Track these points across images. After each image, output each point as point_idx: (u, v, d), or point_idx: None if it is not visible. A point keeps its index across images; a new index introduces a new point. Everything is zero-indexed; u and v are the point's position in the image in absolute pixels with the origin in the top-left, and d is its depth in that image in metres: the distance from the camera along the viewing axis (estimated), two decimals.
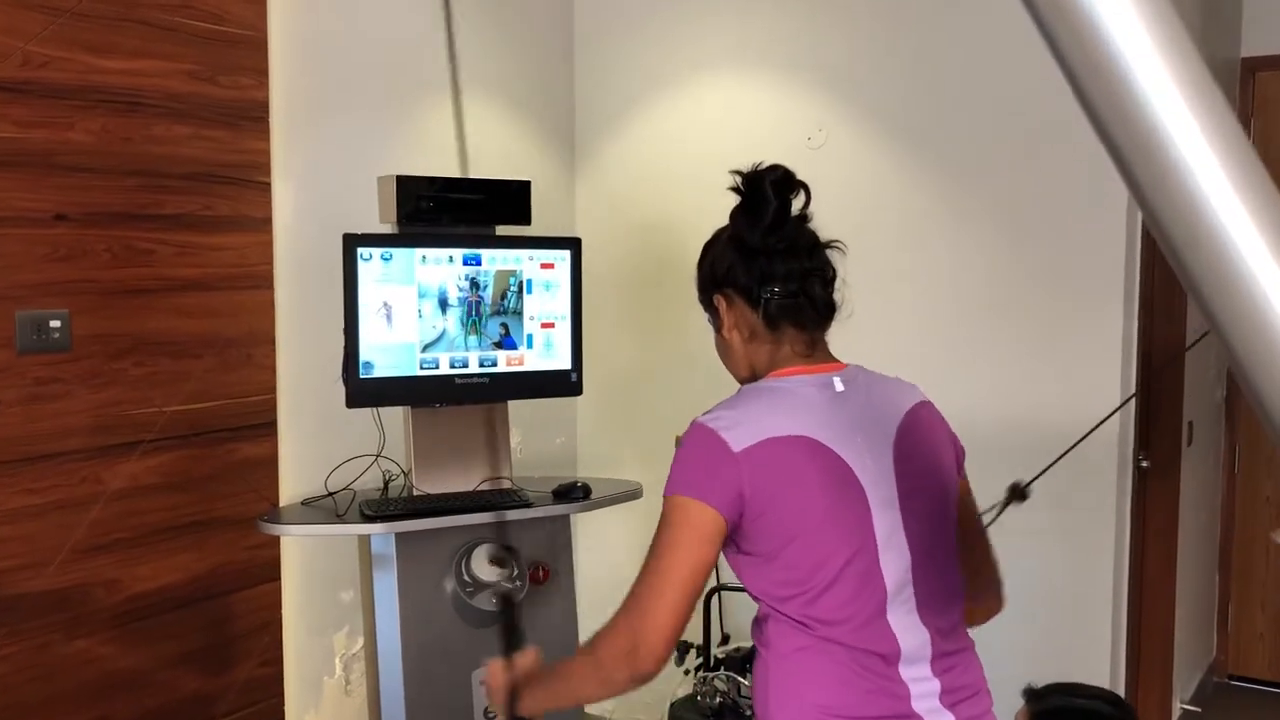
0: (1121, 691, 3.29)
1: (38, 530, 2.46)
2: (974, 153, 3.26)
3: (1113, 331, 3.13)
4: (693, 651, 3.63)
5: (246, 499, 2.88)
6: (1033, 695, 2.03)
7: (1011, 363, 3.23)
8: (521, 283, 2.85)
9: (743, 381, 1.69)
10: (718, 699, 3.37)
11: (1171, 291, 3.86)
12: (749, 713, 3.13)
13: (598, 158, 3.96)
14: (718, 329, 1.71)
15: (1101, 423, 2.87)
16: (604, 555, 4.04)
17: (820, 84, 3.51)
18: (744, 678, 3.26)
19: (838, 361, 1.68)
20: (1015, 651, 3.25)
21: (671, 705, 3.58)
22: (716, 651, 3.55)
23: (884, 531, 1.54)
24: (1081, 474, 3.16)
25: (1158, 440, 3.92)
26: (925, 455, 1.62)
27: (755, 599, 1.60)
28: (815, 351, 1.65)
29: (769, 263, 1.62)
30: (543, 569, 2.79)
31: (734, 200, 1.68)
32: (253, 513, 2.82)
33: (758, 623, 1.61)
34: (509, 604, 2.23)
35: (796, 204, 1.64)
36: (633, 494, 2.98)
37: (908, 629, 1.53)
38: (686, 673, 3.63)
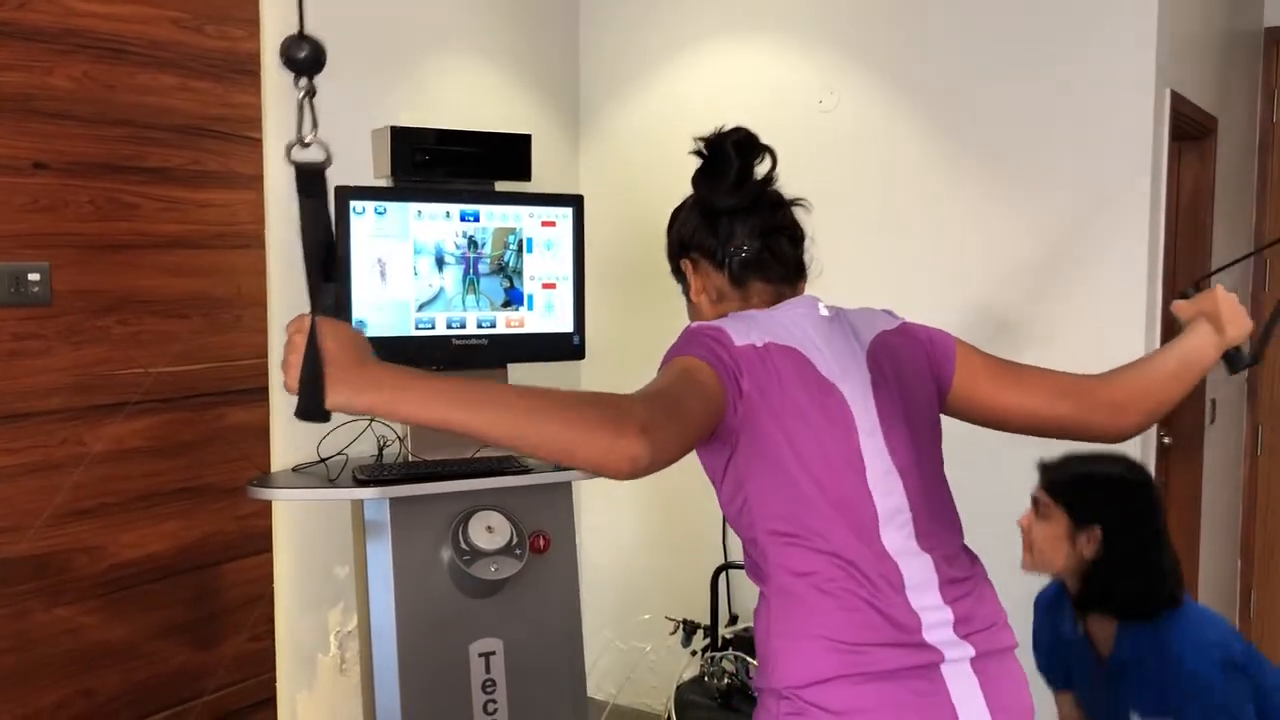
0: None
1: (16, 492, 2.36)
2: (990, 113, 3.15)
3: (1136, 297, 3.01)
4: (700, 632, 3.53)
5: (237, 466, 2.77)
6: (1046, 467, 1.99)
7: (1030, 327, 3.11)
8: (521, 241, 2.74)
9: None
10: (725, 680, 3.26)
11: (1195, 254, 3.75)
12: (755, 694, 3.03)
13: (602, 123, 3.85)
14: (687, 294, 1.69)
15: (1270, 325, 2.74)
16: (607, 528, 3.93)
17: (831, 46, 3.40)
18: (751, 657, 3.15)
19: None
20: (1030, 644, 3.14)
21: (678, 687, 3.47)
22: (724, 631, 3.44)
23: (870, 455, 1.47)
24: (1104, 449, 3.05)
25: (1180, 416, 3.81)
26: (898, 384, 1.55)
27: (743, 533, 1.51)
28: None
29: (731, 224, 1.60)
30: (543, 538, 2.68)
31: None
32: (243, 480, 2.71)
33: (754, 567, 1.52)
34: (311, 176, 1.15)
35: (762, 169, 1.61)
36: None
37: (908, 554, 1.45)
38: (694, 653, 3.53)
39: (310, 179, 1.14)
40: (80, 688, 2.48)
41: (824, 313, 1.57)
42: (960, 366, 1.61)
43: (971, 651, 1.43)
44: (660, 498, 3.80)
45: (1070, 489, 2.04)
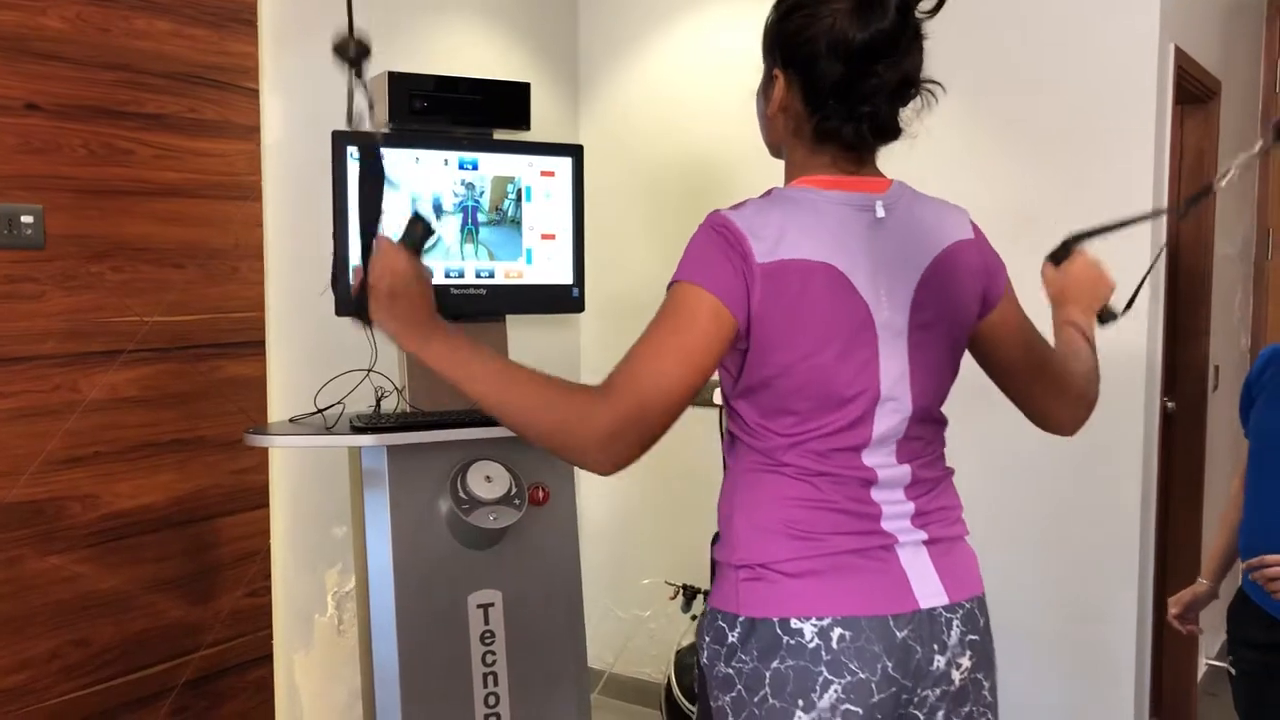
0: (1148, 650, 3.14)
1: (8, 437, 2.33)
2: (995, 65, 3.12)
3: (1140, 258, 2.97)
4: (700, 596, 3.50)
5: (233, 419, 2.75)
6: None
7: (1033, 287, 3.08)
8: (520, 190, 2.71)
9: (772, 153, 1.55)
10: None
11: (1198, 219, 3.73)
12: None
13: (602, 81, 3.82)
14: (766, 97, 1.51)
15: (1144, 279, 2.71)
16: (606, 492, 3.89)
17: None
18: None
19: (880, 176, 1.50)
20: (1040, 610, 3.11)
21: (678, 652, 3.44)
22: None
23: (889, 382, 1.42)
24: (1108, 412, 3.01)
25: (1183, 382, 3.78)
26: (945, 303, 1.48)
27: (731, 415, 1.48)
28: (859, 168, 1.48)
29: (852, 74, 1.41)
30: (543, 490, 2.65)
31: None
32: (239, 433, 2.68)
33: (731, 438, 1.49)
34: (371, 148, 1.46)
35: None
36: None
37: (887, 467, 1.45)
38: (694, 618, 3.50)
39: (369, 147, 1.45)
40: (74, 637, 2.46)
41: (879, 214, 1.44)
42: (999, 312, 1.58)
43: (925, 536, 1.45)
44: (659, 459, 3.77)
45: None
